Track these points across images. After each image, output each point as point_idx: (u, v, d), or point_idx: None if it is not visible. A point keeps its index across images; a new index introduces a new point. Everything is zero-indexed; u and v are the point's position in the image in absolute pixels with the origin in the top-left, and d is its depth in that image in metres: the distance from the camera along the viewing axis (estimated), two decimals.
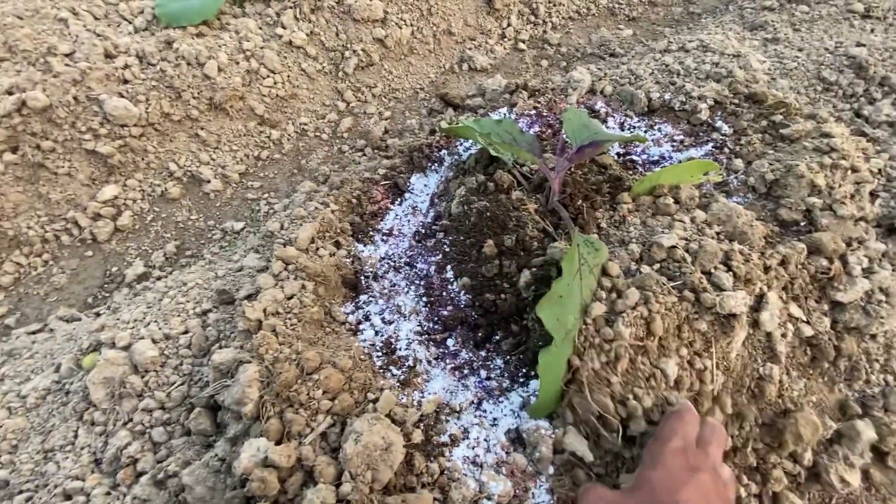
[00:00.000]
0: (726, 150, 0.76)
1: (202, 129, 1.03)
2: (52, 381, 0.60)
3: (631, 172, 0.77)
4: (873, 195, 0.66)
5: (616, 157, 0.80)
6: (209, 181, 0.99)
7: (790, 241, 0.63)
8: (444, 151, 0.89)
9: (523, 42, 1.26)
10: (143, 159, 0.99)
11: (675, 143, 0.81)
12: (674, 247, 0.59)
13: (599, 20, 1.33)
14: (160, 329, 0.62)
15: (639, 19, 1.33)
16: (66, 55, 0.99)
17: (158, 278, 0.86)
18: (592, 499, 0.44)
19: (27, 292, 0.89)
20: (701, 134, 0.80)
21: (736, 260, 0.58)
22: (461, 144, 0.90)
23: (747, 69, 0.83)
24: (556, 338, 0.50)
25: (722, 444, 0.49)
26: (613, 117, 0.87)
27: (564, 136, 0.69)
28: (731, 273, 0.58)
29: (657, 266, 0.59)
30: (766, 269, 0.60)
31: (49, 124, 0.93)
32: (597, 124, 0.72)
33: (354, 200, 0.82)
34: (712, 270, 0.58)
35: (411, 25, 1.17)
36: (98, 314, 0.82)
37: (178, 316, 0.63)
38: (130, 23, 1.08)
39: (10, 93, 0.92)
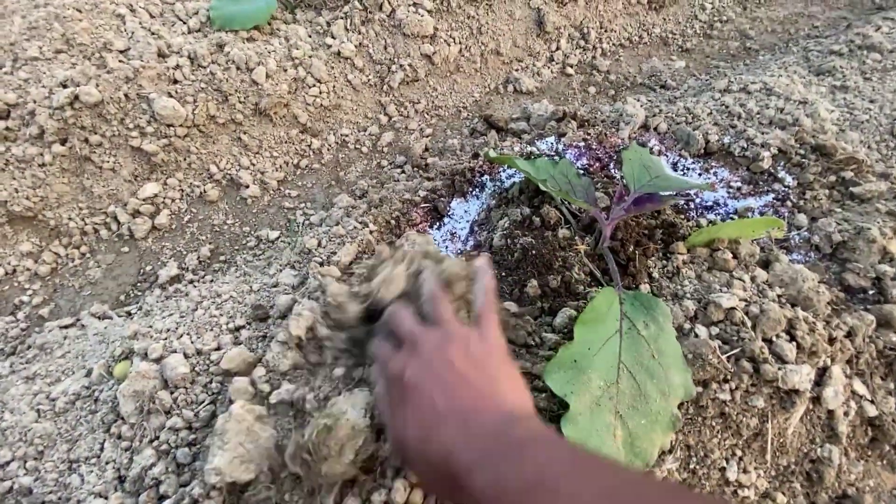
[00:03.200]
0: (789, 203, 0.72)
1: (245, 133, 1.03)
2: (82, 385, 0.60)
3: (683, 217, 0.74)
4: None
5: None
6: (248, 186, 0.99)
7: (857, 311, 0.59)
8: (486, 177, 0.87)
9: (571, 67, 1.23)
10: (185, 159, 1.00)
11: (731, 190, 0.77)
12: (733, 308, 0.56)
13: (651, 49, 1.30)
14: (192, 343, 0.61)
15: (692, 51, 1.29)
16: (121, 51, 1.00)
17: (191, 282, 0.86)
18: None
19: (62, 283, 0.89)
20: (761, 183, 0.76)
21: (800, 329, 0.54)
22: (504, 171, 0.87)
23: (815, 118, 0.78)
24: (575, 407, 0.47)
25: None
26: (666, 156, 0.84)
27: (622, 177, 0.66)
28: (794, 343, 0.54)
29: (714, 328, 0.56)
30: (831, 341, 0.56)
31: (99, 119, 0.94)
32: (659, 165, 0.69)
33: (393, 221, 0.81)
34: (774, 339, 0.54)
35: (460, 43, 1.15)
36: (130, 314, 0.82)
37: (211, 330, 0.62)
38: (185, 23, 1.09)
39: (64, 85, 0.94)
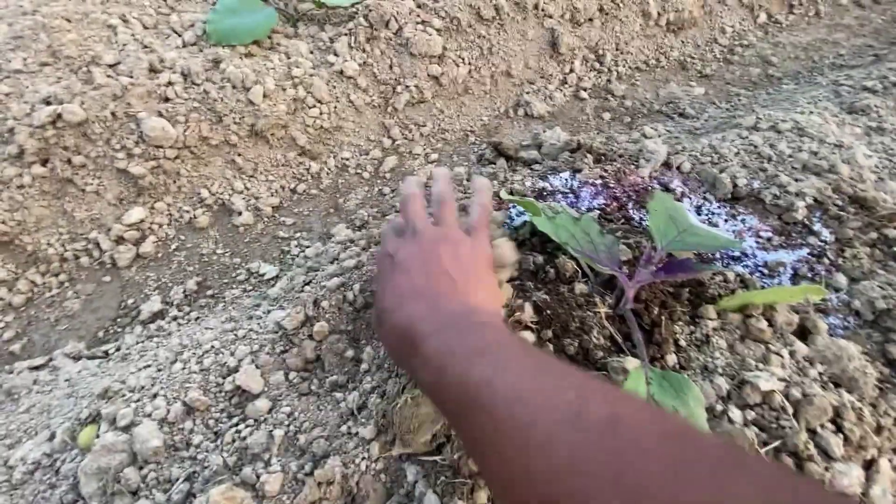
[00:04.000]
0: (826, 260, 0.66)
1: (239, 155, 0.97)
2: (43, 452, 0.54)
3: (708, 269, 0.68)
4: None
5: None
6: (240, 213, 0.93)
7: None
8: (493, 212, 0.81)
9: (585, 90, 1.17)
10: (174, 182, 0.94)
11: (760, 240, 0.71)
12: (772, 391, 0.50)
13: (669, 74, 1.24)
14: (168, 406, 0.55)
15: (712, 77, 1.23)
16: (110, 66, 0.94)
17: (175, 318, 0.80)
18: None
19: (37, 315, 0.83)
20: (794, 235, 0.70)
21: (848, 419, 0.49)
22: (513, 207, 0.82)
23: (853, 164, 0.73)
24: None
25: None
26: (690, 199, 0.78)
27: (647, 232, 0.60)
28: (840, 435, 0.48)
29: (750, 412, 0.50)
30: (879, 430, 0.50)
31: (83, 139, 0.88)
32: (684, 216, 0.62)
33: None
34: (818, 429, 0.48)
35: (469, 64, 1.10)
36: (107, 354, 0.76)
37: (190, 393, 0.56)
38: (180, 36, 1.04)
39: (47, 102, 0.88)
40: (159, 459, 0.51)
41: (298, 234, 0.92)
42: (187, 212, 0.93)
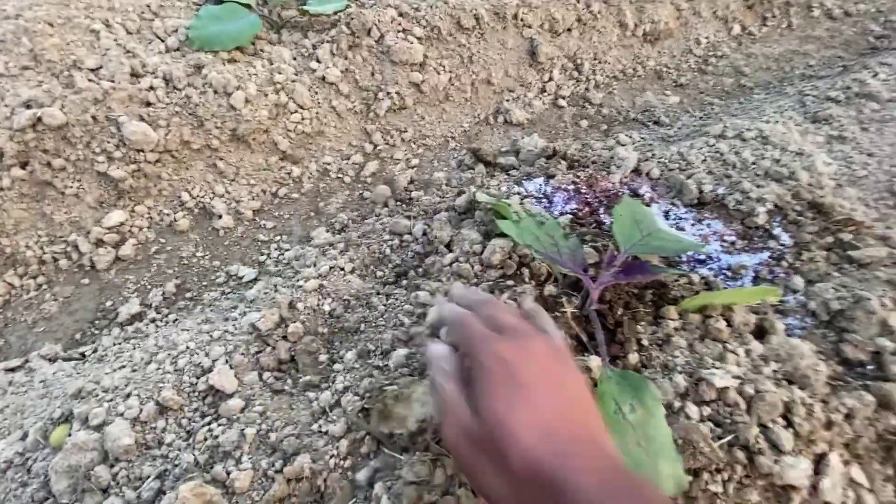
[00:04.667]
0: (784, 263, 0.69)
1: (221, 159, 0.98)
2: (15, 451, 0.54)
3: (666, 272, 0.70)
4: None
5: None
6: (220, 216, 0.94)
7: (857, 389, 0.55)
8: (469, 219, 0.83)
9: (564, 98, 1.20)
10: (155, 185, 0.94)
11: (725, 244, 0.74)
12: (727, 388, 0.52)
13: (645, 83, 1.28)
14: (141, 405, 0.55)
15: (687, 86, 1.27)
16: (92, 70, 0.95)
17: (153, 321, 0.80)
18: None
19: (15, 318, 0.83)
20: (756, 239, 0.72)
21: (798, 414, 0.51)
22: (490, 210, 0.84)
23: (812, 172, 0.76)
24: None
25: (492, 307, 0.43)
26: (658, 203, 0.81)
27: (614, 234, 0.62)
28: (791, 430, 0.50)
29: (706, 408, 0.52)
30: (829, 425, 0.53)
31: (63, 142, 0.89)
32: (651, 220, 0.65)
33: (372, 266, 0.76)
34: (770, 423, 0.51)
35: (450, 72, 1.12)
36: (84, 356, 0.76)
37: (164, 393, 0.57)
38: (163, 41, 1.05)
39: (28, 106, 0.88)
40: (130, 458, 0.52)
41: (278, 238, 0.93)
42: (168, 215, 0.94)
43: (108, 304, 0.84)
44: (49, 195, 0.89)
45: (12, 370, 0.74)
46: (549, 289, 0.64)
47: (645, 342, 0.58)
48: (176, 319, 0.80)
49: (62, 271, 0.88)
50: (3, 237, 0.87)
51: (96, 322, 0.82)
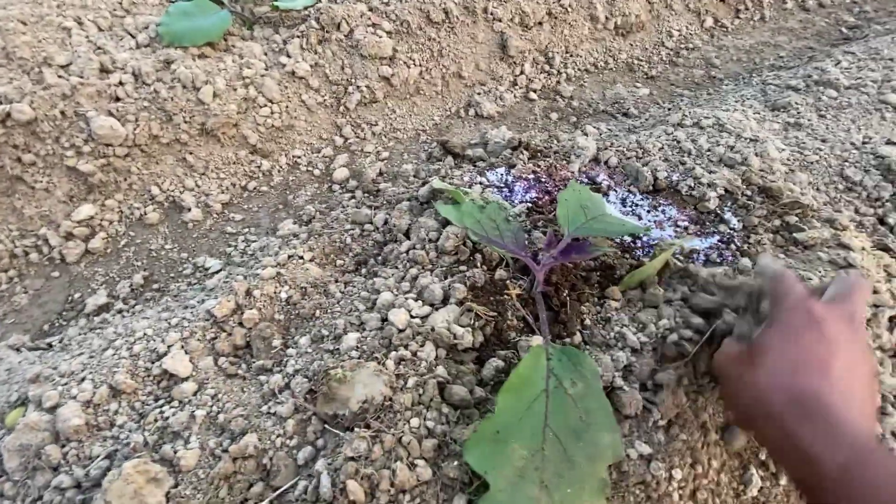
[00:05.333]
0: (733, 246, 0.70)
1: (191, 153, 0.99)
2: None
3: (628, 257, 0.71)
4: (892, 321, 0.59)
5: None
6: (189, 209, 0.95)
7: None
8: (430, 208, 0.84)
9: (535, 91, 1.22)
10: (125, 180, 0.96)
11: (678, 229, 0.75)
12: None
13: (616, 75, 1.29)
14: (95, 389, 0.57)
15: (657, 78, 1.28)
16: (62, 66, 0.96)
17: (119, 311, 0.82)
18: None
19: None
20: (707, 224, 0.74)
21: None
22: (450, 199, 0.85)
23: (764, 157, 0.77)
24: (496, 484, 0.43)
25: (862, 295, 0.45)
26: (616, 191, 0.82)
27: (558, 218, 0.64)
28: None
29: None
30: None
31: (32, 137, 0.90)
32: (599, 205, 0.66)
33: (333, 255, 0.78)
34: None
35: (420, 66, 1.13)
36: (50, 346, 0.77)
37: (117, 375, 0.58)
38: (134, 37, 1.06)
39: None
40: (80, 438, 0.53)
41: (246, 230, 0.94)
42: (138, 209, 0.95)
43: (77, 295, 0.85)
44: (19, 190, 0.91)
45: None
46: (500, 273, 0.65)
47: (588, 322, 0.60)
48: (142, 310, 0.81)
49: (33, 264, 0.89)
50: None
51: (64, 314, 0.84)
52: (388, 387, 0.52)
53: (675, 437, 0.52)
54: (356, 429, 0.50)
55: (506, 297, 0.62)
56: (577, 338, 0.58)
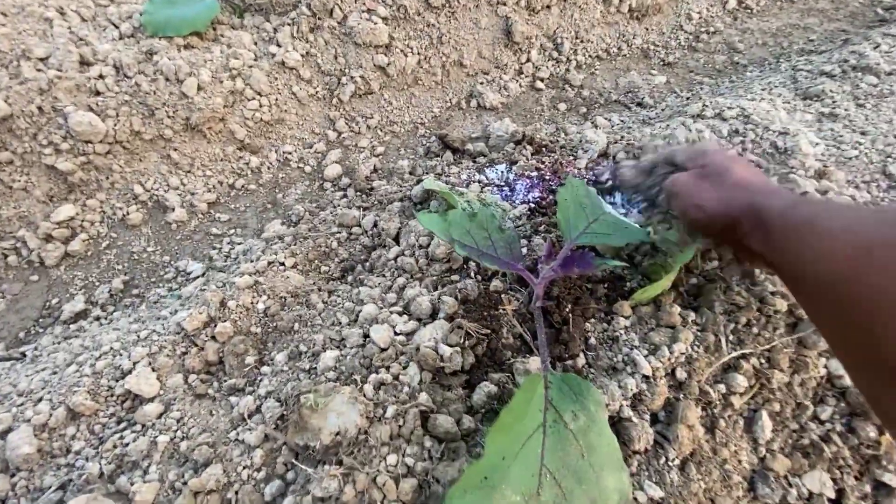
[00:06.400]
0: None
1: (175, 150, 0.94)
2: None
3: (633, 265, 0.64)
4: None
5: None
6: (173, 209, 0.90)
7: None
8: (424, 209, 0.78)
9: (542, 80, 1.14)
10: (107, 178, 0.91)
11: None
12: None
13: (630, 62, 1.20)
14: (51, 411, 0.52)
15: (675, 65, 1.19)
16: (41, 59, 0.92)
17: (97, 318, 0.78)
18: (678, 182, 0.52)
19: None
20: None
21: None
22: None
23: (795, 152, 0.69)
24: None
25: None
26: (624, 192, 0.75)
27: (558, 223, 0.57)
28: None
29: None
30: None
31: (8, 134, 0.86)
32: (595, 205, 0.59)
33: (317, 261, 0.72)
34: None
35: (418, 54, 1.06)
36: (24, 355, 0.74)
37: (75, 396, 0.53)
38: (117, 27, 1.01)
39: None
40: (32, 467, 0.49)
41: (232, 231, 0.89)
42: (120, 209, 0.90)
43: (55, 301, 0.82)
44: None
45: None
46: (496, 284, 0.59)
47: (593, 341, 0.53)
48: (119, 317, 0.77)
49: (11, 268, 0.86)
50: None
51: (41, 320, 0.80)
52: (363, 417, 0.46)
53: (691, 479, 0.46)
54: (327, 465, 0.45)
55: (501, 311, 0.56)
56: (581, 360, 0.52)
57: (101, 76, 0.91)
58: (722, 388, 0.51)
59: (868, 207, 0.38)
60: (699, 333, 0.52)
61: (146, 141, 0.92)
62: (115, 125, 0.89)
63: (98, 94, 0.90)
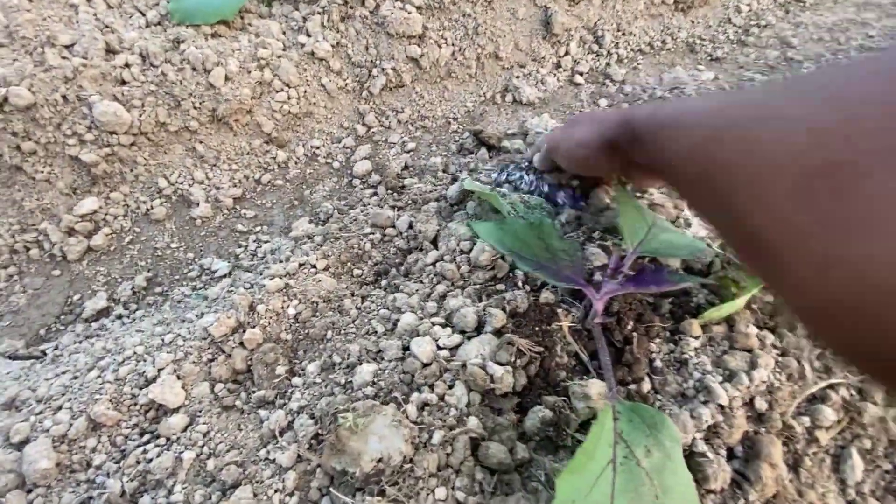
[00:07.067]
0: None
1: (201, 142, 0.91)
2: None
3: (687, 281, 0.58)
4: None
5: None
6: (198, 204, 0.87)
7: None
8: (461, 211, 0.73)
9: (581, 75, 1.08)
10: (131, 171, 0.88)
11: None
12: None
13: (675, 57, 1.13)
14: (71, 420, 0.49)
15: (724, 60, 1.12)
16: (66, 47, 0.89)
17: (119, 317, 0.75)
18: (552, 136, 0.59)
19: None
20: None
21: None
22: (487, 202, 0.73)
23: None
24: None
25: None
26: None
27: (620, 229, 0.52)
28: None
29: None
30: None
31: (32, 124, 0.83)
32: (661, 225, 0.54)
33: (349, 263, 0.68)
34: None
35: (452, 45, 1.01)
36: (44, 353, 0.71)
37: (97, 404, 0.50)
38: (144, 15, 0.98)
39: None
40: (50, 483, 0.45)
41: (258, 229, 0.85)
42: (144, 202, 0.87)
43: (77, 297, 0.79)
44: (19, 181, 0.84)
45: None
46: (546, 295, 0.53)
47: (658, 364, 0.48)
48: (143, 316, 0.74)
49: (33, 261, 0.83)
50: None
51: (62, 317, 0.77)
52: (408, 443, 0.42)
53: None
54: (368, 495, 0.41)
55: (554, 327, 0.51)
56: (646, 385, 0.47)
57: (126, 65, 0.87)
58: (806, 421, 0.45)
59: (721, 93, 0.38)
60: (780, 359, 0.47)
61: (171, 132, 0.89)
62: (141, 116, 0.85)
63: (124, 83, 0.87)
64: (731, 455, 0.44)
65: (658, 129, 0.37)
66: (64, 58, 0.87)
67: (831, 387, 0.46)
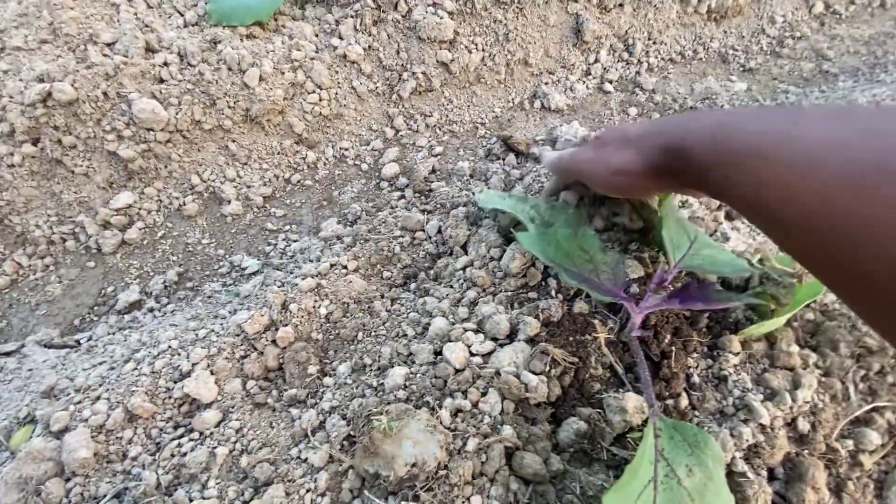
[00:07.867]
0: None
1: (233, 141, 0.92)
2: None
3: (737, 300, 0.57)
4: None
5: None
6: (229, 202, 0.88)
7: None
8: (489, 216, 0.73)
9: (611, 83, 1.07)
10: (165, 167, 0.90)
11: None
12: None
13: (707, 67, 1.12)
14: (109, 411, 0.50)
15: (757, 71, 1.10)
16: (108, 45, 0.91)
17: (151, 310, 0.76)
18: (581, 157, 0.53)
19: (20, 298, 0.81)
20: None
21: None
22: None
23: None
24: None
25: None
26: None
27: (662, 242, 0.51)
28: None
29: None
30: None
31: (73, 119, 0.86)
32: (703, 239, 0.53)
33: (379, 265, 0.68)
34: None
35: (483, 51, 1.01)
36: (78, 343, 0.73)
37: (134, 396, 0.51)
38: (182, 15, 1.00)
39: (41, 80, 0.85)
40: (88, 472, 0.46)
41: (287, 228, 0.86)
42: (177, 198, 0.89)
43: (110, 289, 0.81)
44: (59, 173, 0.87)
45: (7, 354, 0.71)
46: (580, 305, 0.53)
47: (696, 379, 0.47)
48: (174, 310, 0.75)
49: (69, 253, 0.85)
50: (14, 215, 0.85)
51: (96, 308, 0.79)
52: (443, 449, 0.42)
53: None
54: (402, 500, 0.40)
55: (589, 338, 0.50)
56: (684, 401, 0.46)
57: (165, 63, 0.89)
58: (850, 444, 0.44)
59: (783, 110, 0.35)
60: (823, 379, 0.46)
61: (205, 131, 0.90)
62: (177, 114, 0.87)
63: (162, 81, 0.89)
64: (771, 476, 0.43)
65: (738, 161, 0.33)
66: (105, 55, 0.89)
67: (876, 409, 0.45)
